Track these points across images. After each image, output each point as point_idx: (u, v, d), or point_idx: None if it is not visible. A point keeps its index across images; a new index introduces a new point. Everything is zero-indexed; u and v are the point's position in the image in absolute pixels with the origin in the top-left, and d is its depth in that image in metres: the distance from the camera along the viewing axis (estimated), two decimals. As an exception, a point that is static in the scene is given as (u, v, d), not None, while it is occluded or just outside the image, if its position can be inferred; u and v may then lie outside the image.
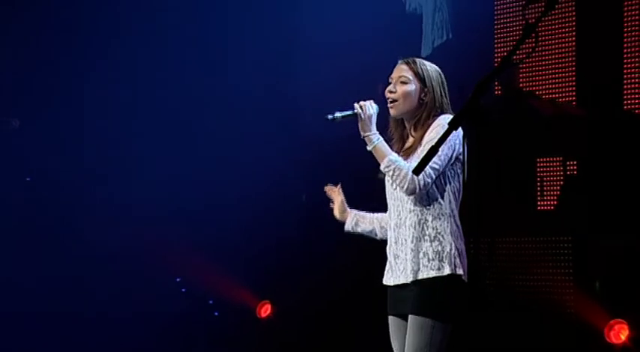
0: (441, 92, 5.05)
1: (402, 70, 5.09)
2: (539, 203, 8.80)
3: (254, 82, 9.27)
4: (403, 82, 5.05)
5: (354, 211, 5.29)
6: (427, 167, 4.73)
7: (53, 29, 9.18)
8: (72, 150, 9.20)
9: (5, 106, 7.97)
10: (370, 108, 5.05)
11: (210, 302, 9.91)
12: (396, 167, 4.90)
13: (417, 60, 5.14)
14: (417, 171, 4.42)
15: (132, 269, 9.33)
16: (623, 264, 7.92)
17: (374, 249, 5.18)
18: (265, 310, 9.84)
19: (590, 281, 8.01)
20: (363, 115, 5.03)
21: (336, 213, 5.30)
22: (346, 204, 5.29)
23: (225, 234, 9.31)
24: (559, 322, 8.12)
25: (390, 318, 5.10)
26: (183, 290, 9.90)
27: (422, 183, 4.85)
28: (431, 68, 5.08)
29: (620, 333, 7.70)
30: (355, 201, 5.29)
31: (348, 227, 5.29)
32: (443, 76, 5.14)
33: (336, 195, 5.31)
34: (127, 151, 9.37)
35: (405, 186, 4.87)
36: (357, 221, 5.27)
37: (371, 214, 5.27)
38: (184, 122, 9.49)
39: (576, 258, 8.17)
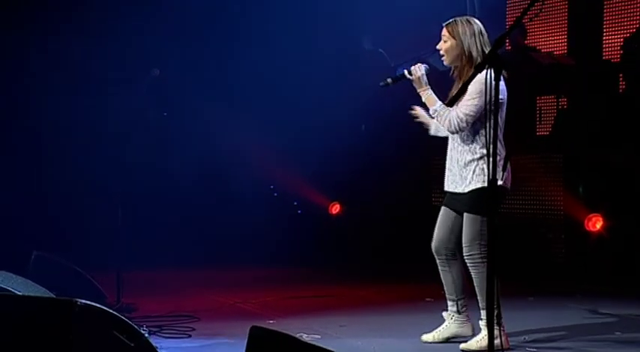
0: (469, 44, 5.40)
1: (444, 31, 5.53)
2: (537, 129, 9.74)
3: (330, 46, 10.13)
4: (444, 41, 5.50)
5: (429, 120, 5.70)
6: (464, 115, 5.25)
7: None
8: (189, 95, 10.10)
9: (149, 59, 8.71)
10: (418, 70, 5.52)
11: (295, 203, 10.87)
12: (439, 113, 5.43)
13: (454, 20, 5.50)
14: (450, 104, 5.07)
15: (241, 176, 10.39)
16: (600, 173, 8.66)
17: (421, 160, 5.83)
18: (335, 209, 10.81)
19: (575, 187, 8.81)
20: (413, 77, 5.51)
21: (424, 122, 5.72)
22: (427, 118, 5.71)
23: (307, 153, 10.14)
24: (551, 217, 8.96)
25: (443, 208, 5.67)
26: (276, 194, 10.91)
27: (459, 126, 5.35)
28: (461, 26, 5.43)
29: (596, 224, 8.55)
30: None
31: (432, 131, 5.76)
32: (474, 27, 5.43)
33: (421, 114, 5.72)
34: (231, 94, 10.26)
35: (447, 128, 5.44)
36: (433, 128, 5.73)
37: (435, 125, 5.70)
38: (279, 68, 10.17)
39: (565, 169, 8.95)
